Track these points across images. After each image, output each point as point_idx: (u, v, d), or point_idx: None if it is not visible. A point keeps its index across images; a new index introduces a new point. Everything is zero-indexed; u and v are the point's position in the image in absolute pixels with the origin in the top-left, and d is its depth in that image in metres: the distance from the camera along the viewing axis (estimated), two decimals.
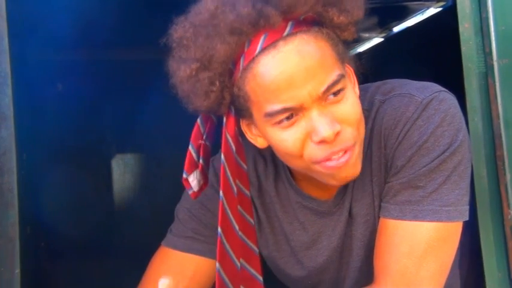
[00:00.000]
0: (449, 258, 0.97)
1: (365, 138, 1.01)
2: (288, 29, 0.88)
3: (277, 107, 0.88)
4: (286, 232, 1.13)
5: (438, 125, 0.95)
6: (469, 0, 1.12)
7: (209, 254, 1.11)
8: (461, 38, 1.13)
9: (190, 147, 1.00)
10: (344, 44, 0.96)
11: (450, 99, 0.98)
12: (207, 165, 1.03)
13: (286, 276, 1.18)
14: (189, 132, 1.02)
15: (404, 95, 0.99)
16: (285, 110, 0.88)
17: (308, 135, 0.90)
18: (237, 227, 1.00)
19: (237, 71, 0.91)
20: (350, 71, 0.99)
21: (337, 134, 0.89)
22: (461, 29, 1.13)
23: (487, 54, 1.11)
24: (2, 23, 0.93)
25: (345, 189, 1.06)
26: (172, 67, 0.94)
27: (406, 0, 2.76)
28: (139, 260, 1.21)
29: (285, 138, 0.91)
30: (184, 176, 1.00)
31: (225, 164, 0.97)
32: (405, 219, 0.95)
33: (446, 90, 1.01)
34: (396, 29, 3.19)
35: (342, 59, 0.93)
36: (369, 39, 3.35)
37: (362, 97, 1.01)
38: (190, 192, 1.02)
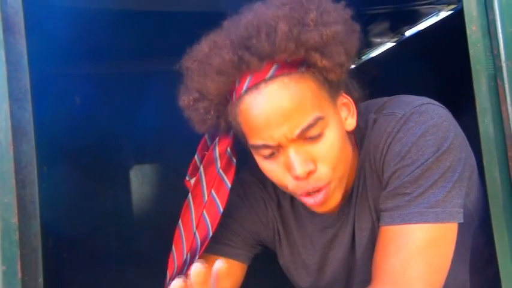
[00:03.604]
0: (441, 259, 0.97)
1: (360, 157, 1.07)
2: (271, 72, 0.93)
3: (259, 142, 0.95)
4: (299, 245, 1.20)
5: (420, 135, 0.98)
6: (476, 2, 1.13)
7: (237, 257, 1.19)
8: (469, 40, 1.13)
9: (195, 156, 1.13)
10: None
11: (433, 110, 1.01)
12: None
13: (299, 286, 1.24)
14: None
15: (388, 113, 1.05)
16: (265, 146, 0.95)
17: (287, 169, 0.96)
18: (194, 227, 1.08)
19: (231, 102, 0.98)
20: (348, 100, 1.03)
21: (310, 172, 0.94)
22: (468, 32, 1.14)
23: (495, 56, 1.11)
24: (21, 41, 0.96)
25: (349, 203, 1.11)
26: (180, 93, 1.04)
27: (417, 4, 2.75)
28: (159, 269, 1.23)
29: (270, 169, 0.99)
30: (186, 178, 1.14)
31: (202, 173, 1.08)
32: (394, 224, 0.97)
33: (433, 102, 1.04)
34: (408, 33, 3.18)
35: (333, 95, 0.98)
36: (380, 44, 3.34)
37: (361, 115, 1.07)
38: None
